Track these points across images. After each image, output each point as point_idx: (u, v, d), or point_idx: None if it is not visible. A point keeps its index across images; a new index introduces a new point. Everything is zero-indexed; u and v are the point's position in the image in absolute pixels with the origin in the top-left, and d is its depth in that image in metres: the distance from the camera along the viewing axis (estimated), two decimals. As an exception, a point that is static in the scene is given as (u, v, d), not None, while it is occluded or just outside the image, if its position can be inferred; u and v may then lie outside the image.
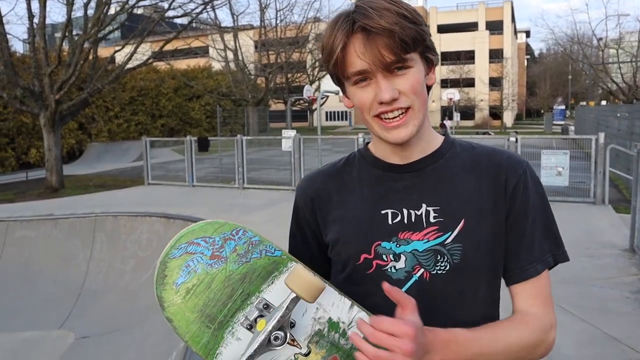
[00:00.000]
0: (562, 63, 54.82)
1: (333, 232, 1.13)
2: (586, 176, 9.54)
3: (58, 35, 15.85)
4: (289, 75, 35.20)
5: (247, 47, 32.37)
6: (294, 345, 0.99)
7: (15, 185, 15.72)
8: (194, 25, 21.66)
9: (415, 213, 1.07)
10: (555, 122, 37.89)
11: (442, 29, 52.82)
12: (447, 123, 29.88)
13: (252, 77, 31.29)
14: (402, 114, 1.02)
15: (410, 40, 0.97)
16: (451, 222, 1.05)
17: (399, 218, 1.07)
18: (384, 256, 1.07)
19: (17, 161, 20.62)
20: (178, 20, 20.74)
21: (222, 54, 29.23)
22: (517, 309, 1.08)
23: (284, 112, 31.08)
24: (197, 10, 16.39)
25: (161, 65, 27.65)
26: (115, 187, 13.96)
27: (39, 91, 13.70)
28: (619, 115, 13.75)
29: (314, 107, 37.88)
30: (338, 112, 54.90)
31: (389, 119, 1.02)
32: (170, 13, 16.20)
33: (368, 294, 1.06)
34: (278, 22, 32.79)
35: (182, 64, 32.54)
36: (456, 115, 34.79)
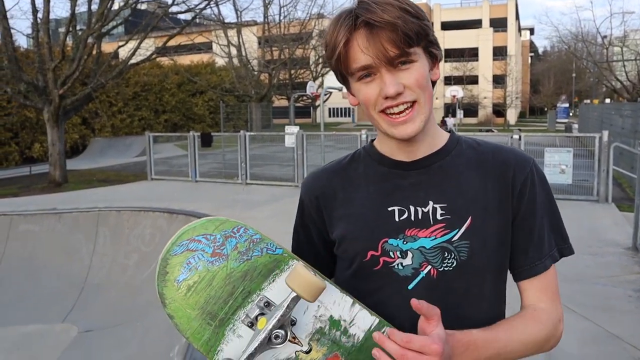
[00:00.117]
0: (566, 61, 54.64)
1: (339, 229, 1.13)
2: (590, 174, 9.52)
3: (62, 30, 15.87)
4: (293, 72, 35.17)
5: (251, 43, 32.32)
6: (295, 343, 0.99)
7: (18, 179, 15.77)
8: (197, 21, 21.67)
9: (422, 210, 1.07)
10: (558, 120, 37.81)
11: (446, 26, 52.68)
12: (449, 120, 29.64)
13: (256, 73, 31.25)
14: (407, 108, 1.01)
15: (413, 35, 0.97)
16: (458, 220, 1.05)
17: (405, 215, 1.07)
18: (390, 253, 1.07)
19: (20, 156, 20.67)
20: (182, 16, 20.72)
21: (226, 49, 29.19)
22: (526, 304, 1.10)
23: (287, 109, 31.06)
24: (201, 6, 16.41)
25: (165, 60, 27.64)
26: (119, 182, 13.98)
27: (43, 86, 13.72)
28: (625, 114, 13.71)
29: (317, 104, 37.90)
30: (341, 108, 54.83)
31: (394, 114, 1.02)
32: (173, 9, 16.19)
33: (374, 290, 1.07)
34: (282, 18, 32.74)
35: (185, 60, 32.55)
36: (459, 113, 34.70)
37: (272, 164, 13.76)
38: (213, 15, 27.25)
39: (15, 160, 20.34)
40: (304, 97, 36.06)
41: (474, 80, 49.49)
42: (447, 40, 48.80)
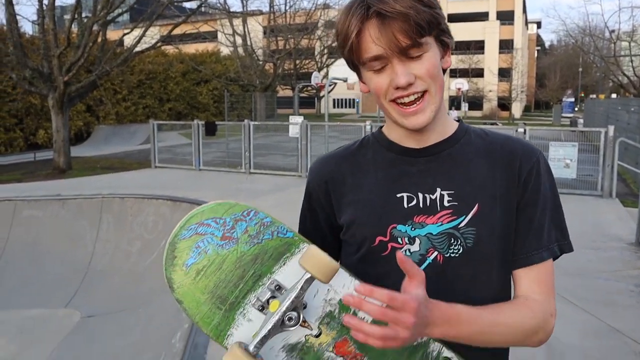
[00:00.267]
0: (572, 55, 54.32)
1: (348, 214, 1.13)
2: (594, 169, 9.49)
3: (67, 17, 15.85)
4: (297, 62, 35.08)
5: (256, 32, 32.24)
6: (306, 327, 0.99)
7: (23, 165, 15.82)
8: (202, 9, 21.58)
9: (430, 197, 1.07)
10: (563, 115, 37.66)
11: (452, 18, 52.31)
12: (453, 113, 29.59)
13: (261, 62, 31.19)
14: (418, 98, 1.02)
15: (425, 24, 0.97)
16: (465, 207, 1.06)
17: (414, 202, 1.08)
18: (399, 239, 1.07)
19: (25, 142, 20.71)
20: (187, 4, 20.69)
21: (231, 39, 29.15)
22: (518, 293, 1.09)
23: (292, 99, 31.01)
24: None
25: (169, 49, 27.57)
26: (122, 170, 14.01)
27: (48, 72, 13.72)
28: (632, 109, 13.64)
29: (321, 94, 37.79)
30: (346, 99, 54.72)
31: (405, 104, 1.02)
32: (179, -3, 16.13)
33: (381, 275, 1.07)
34: (287, 8, 32.64)
35: (190, 48, 32.46)
36: (464, 105, 34.60)
37: (275, 154, 13.76)
38: (218, 4, 27.22)
39: (19, 146, 20.39)
40: (309, 88, 35.99)
41: (479, 73, 49.28)
42: (453, 32, 47.29)
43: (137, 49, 15.54)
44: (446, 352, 1.04)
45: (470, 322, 0.97)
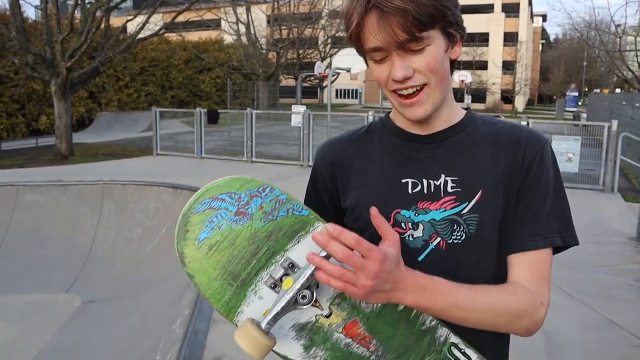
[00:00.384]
0: (577, 49, 54.00)
1: (353, 198, 1.14)
2: (596, 163, 9.48)
3: (70, 2, 15.74)
4: (301, 51, 34.92)
5: (260, 21, 32.06)
6: (316, 307, 0.99)
7: (25, 151, 15.83)
8: (206, -4, 21.42)
9: (434, 183, 1.08)
10: (567, 109, 37.56)
11: (457, 9, 51.91)
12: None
13: (264, 51, 31.05)
14: (417, 91, 1.02)
15: (426, 19, 0.95)
16: (468, 193, 1.06)
17: (418, 188, 1.08)
18: (402, 224, 1.08)
19: (27, 127, 20.69)
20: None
21: (234, 27, 28.97)
22: (509, 279, 1.07)
23: (294, 88, 30.88)
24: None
25: (173, 36, 27.46)
26: (124, 157, 14.01)
27: (51, 58, 13.68)
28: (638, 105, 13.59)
29: (324, 84, 37.69)
30: (348, 90, 54.54)
31: (403, 95, 1.03)
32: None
33: None
34: (291, -4, 32.41)
35: (193, 36, 32.33)
36: (467, 98, 34.50)
37: (277, 143, 13.74)
38: (222, -8, 27.02)
39: (21, 132, 20.37)
40: (312, 78, 35.86)
41: (483, 65, 49.05)
42: (458, 24, 48.04)
43: (140, 35, 15.48)
44: (453, 338, 1.05)
45: (446, 294, 0.96)
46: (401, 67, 0.99)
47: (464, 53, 48.82)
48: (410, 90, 1.01)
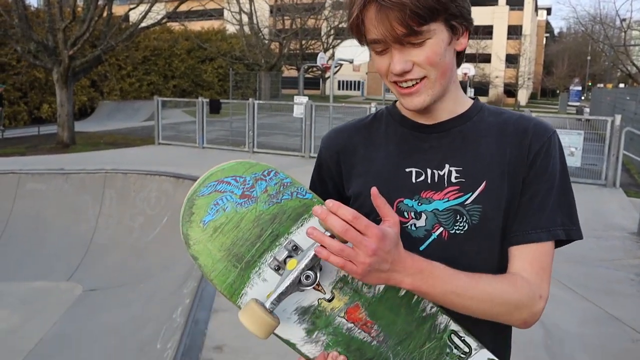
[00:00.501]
0: (581, 43, 53.81)
1: (356, 185, 1.14)
2: (599, 158, 9.47)
3: (73, -11, 15.69)
4: (303, 42, 34.80)
5: (263, 11, 31.94)
6: (319, 290, 1.00)
7: (27, 139, 15.83)
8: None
9: (438, 173, 1.07)
10: (570, 103, 37.40)
11: (462, 2, 51.60)
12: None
13: (266, 41, 30.94)
14: (416, 83, 1.02)
15: (425, 12, 0.94)
16: (472, 184, 1.05)
17: (422, 177, 1.08)
18: (405, 213, 1.08)
19: (29, 116, 20.68)
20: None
21: (237, 17, 28.86)
22: (509, 270, 1.07)
23: (297, 79, 30.79)
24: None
25: (175, 25, 27.39)
26: (126, 146, 14.01)
27: (53, 46, 13.64)
28: None
29: (327, 75, 37.59)
30: (351, 81, 54.39)
31: (402, 87, 1.03)
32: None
33: None
34: (295, -14, 32.24)
35: (196, 26, 32.21)
36: (470, 91, 34.40)
37: (279, 134, 13.73)
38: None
39: (23, 120, 20.36)
40: (314, 69, 35.76)
41: (486, 58, 48.85)
42: (462, 16, 47.79)
43: (143, 24, 15.42)
44: (453, 326, 1.05)
45: (445, 280, 0.96)
46: (400, 60, 0.99)
47: (467, 46, 48.68)
48: (410, 83, 1.02)
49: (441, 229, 1.06)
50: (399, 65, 0.98)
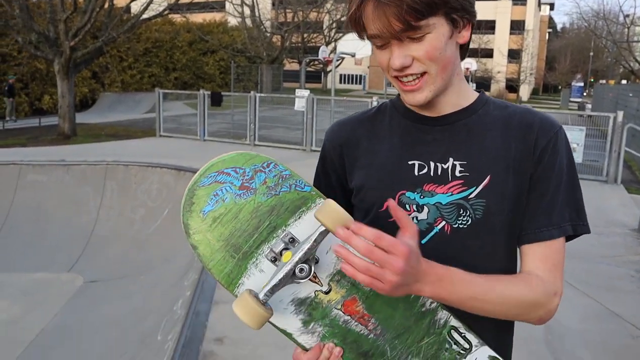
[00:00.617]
0: (584, 39, 53.62)
1: (359, 178, 1.14)
2: (600, 154, 9.46)
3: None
4: (305, 35, 34.70)
5: (265, 3, 31.84)
6: (316, 282, 1.00)
7: (28, 130, 15.82)
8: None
9: (442, 166, 1.06)
10: (571, 99, 37.37)
11: (464, -4, 51.38)
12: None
13: (268, 34, 30.85)
14: (416, 78, 1.01)
15: (423, 7, 0.93)
16: (476, 178, 1.05)
17: (425, 170, 1.07)
18: (407, 206, 1.07)
19: (30, 107, 20.66)
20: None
21: (239, 9, 28.77)
22: (523, 269, 1.07)
23: (298, 72, 30.74)
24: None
25: (177, 17, 27.31)
26: (127, 138, 14.01)
27: (54, 37, 13.60)
28: None
29: (328, 69, 37.50)
30: (352, 75, 54.29)
31: (403, 82, 1.02)
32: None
33: None
34: (297, -21, 32.09)
35: (197, 18, 32.12)
36: (472, 86, 34.32)
37: (280, 127, 13.71)
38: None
39: (24, 111, 20.34)
40: (316, 62, 35.68)
41: (488, 53, 48.70)
42: (464, 11, 47.64)
43: (144, 16, 15.38)
44: (453, 322, 1.05)
45: (463, 286, 0.96)
46: (399, 56, 0.98)
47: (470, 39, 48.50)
48: (410, 78, 1.01)
49: (444, 222, 1.05)
50: (398, 60, 0.98)
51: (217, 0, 28.90)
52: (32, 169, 9.03)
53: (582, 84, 45.63)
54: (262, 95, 14.28)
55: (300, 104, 12.24)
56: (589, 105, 27.74)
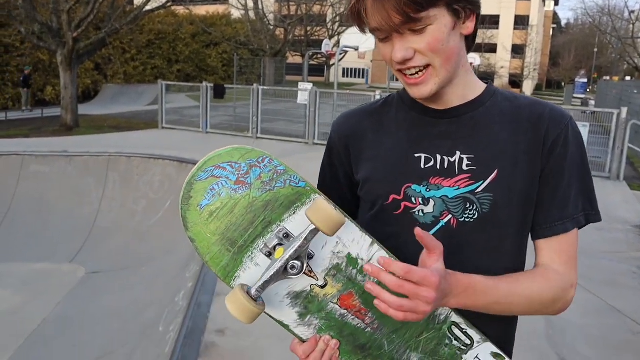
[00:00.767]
0: (589, 35, 53.43)
1: (365, 170, 1.13)
2: (603, 151, 9.42)
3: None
4: (309, 28, 34.62)
5: (268, -4, 31.70)
6: (311, 277, 1.00)
7: (30, 121, 15.82)
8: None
9: (449, 159, 1.05)
10: (575, 95, 37.19)
11: (469, -10, 51.13)
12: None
13: (271, 27, 30.76)
14: (420, 71, 1.00)
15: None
16: (484, 171, 1.03)
17: (431, 163, 1.06)
18: (413, 199, 1.06)
19: (32, 98, 20.64)
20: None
21: (242, 1, 28.66)
22: (539, 263, 1.08)
23: (301, 65, 30.65)
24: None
25: (180, 9, 27.23)
26: (129, 129, 14.00)
27: (57, 28, 13.58)
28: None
29: (331, 62, 37.40)
30: (355, 69, 54.13)
31: (407, 75, 1.01)
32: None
33: (393, 234, 1.06)
34: (301, -28, 31.96)
35: (201, 10, 32.06)
36: (475, 81, 34.23)
37: (283, 120, 13.68)
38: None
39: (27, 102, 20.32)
40: (319, 55, 35.59)
41: (492, 48, 48.49)
42: (468, 5, 47.45)
43: (147, 7, 15.36)
44: (454, 317, 1.05)
45: (487, 293, 0.97)
46: (400, 48, 0.97)
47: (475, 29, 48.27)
48: (414, 71, 1.00)
49: (450, 216, 1.04)
50: (400, 53, 0.97)
51: (220, -7, 28.81)
52: (35, 160, 9.05)
53: (585, 80, 45.36)
54: (265, 88, 14.24)
55: (303, 97, 12.20)
56: (593, 102, 27.64)
